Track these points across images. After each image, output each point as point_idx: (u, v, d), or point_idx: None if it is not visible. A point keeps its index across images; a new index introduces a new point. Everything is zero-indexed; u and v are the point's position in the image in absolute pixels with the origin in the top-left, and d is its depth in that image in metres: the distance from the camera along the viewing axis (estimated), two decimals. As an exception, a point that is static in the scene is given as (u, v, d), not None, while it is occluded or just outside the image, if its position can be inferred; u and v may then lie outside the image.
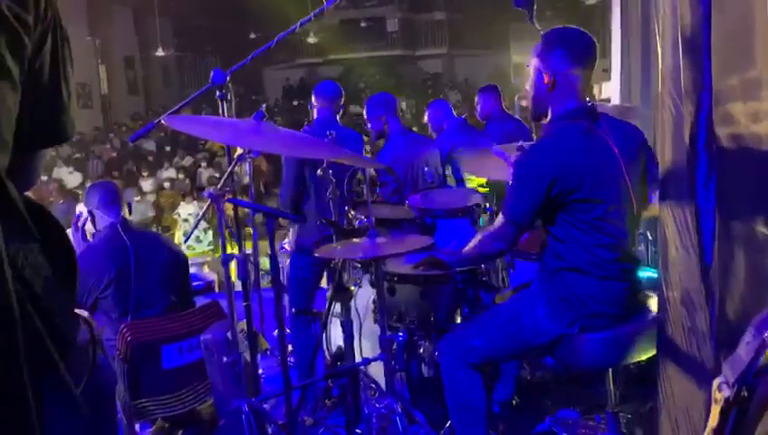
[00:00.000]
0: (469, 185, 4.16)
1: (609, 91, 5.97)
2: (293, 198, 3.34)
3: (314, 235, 3.27)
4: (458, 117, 4.84)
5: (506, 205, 2.15)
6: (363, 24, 20.37)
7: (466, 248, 2.26)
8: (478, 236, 2.26)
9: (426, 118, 4.84)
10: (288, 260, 3.73)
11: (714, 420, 0.87)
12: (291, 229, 3.78)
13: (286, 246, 3.92)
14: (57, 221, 0.96)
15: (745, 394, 0.85)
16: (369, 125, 3.96)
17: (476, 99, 5.02)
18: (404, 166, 3.75)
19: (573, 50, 2.12)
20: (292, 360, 3.48)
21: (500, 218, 2.16)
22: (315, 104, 3.73)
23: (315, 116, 3.66)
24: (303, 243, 3.34)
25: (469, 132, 4.55)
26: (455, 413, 2.31)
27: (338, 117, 3.59)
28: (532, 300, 2.21)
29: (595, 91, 7.49)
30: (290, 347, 3.50)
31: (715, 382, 0.87)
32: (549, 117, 2.18)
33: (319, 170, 2.85)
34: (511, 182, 2.17)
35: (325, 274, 3.55)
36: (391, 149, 3.85)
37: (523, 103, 6.31)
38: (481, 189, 4.00)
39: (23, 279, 0.82)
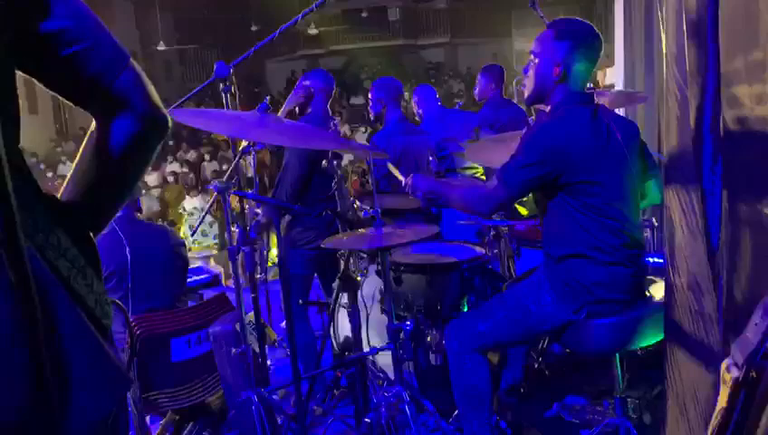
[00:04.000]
0: (470, 172, 4.14)
1: (613, 77, 5.95)
2: (300, 194, 3.29)
3: (308, 229, 3.25)
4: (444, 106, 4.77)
5: (504, 169, 2.14)
6: (365, 15, 20.29)
7: (454, 192, 2.27)
8: (469, 188, 2.26)
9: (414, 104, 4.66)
10: None
11: (723, 401, 0.87)
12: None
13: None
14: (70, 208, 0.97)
15: (754, 375, 0.85)
16: (369, 105, 3.95)
17: (477, 78, 4.84)
18: (396, 153, 3.73)
19: (586, 46, 2.14)
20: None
21: (493, 181, 2.16)
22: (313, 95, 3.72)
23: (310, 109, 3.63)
24: (295, 238, 3.31)
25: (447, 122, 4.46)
26: (460, 398, 2.33)
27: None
28: (538, 287, 2.22)
29: (599, 77, 7.45)
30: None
31: (724, 364, 0.88)
32: (549, 103, 2.19)
33: (324, 162, 2.86)
34: (515, 152, 2.17)
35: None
36: (385, 134, 3.84)
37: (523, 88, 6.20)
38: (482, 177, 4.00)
39: (55, 265, 0.83)
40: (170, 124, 1.00)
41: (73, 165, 0.99)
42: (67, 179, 0.99)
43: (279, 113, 3.57)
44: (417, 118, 4.61)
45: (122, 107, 0.93)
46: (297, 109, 3.50)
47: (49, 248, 0.83)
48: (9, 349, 0.72)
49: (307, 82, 3.53)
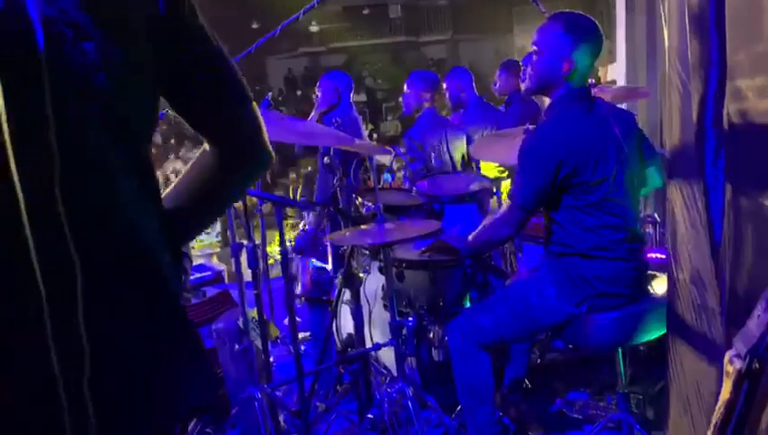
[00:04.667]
0: (484, 171, 4.10)
1: (615, 73, 5.94)
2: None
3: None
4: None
5: (514, 189, 2.15)
6: (366, 12, 20.25)
7: (474, 234, 2.26)
8: (486, 222, 2.26)
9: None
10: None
11: (726, 392, 0.87)
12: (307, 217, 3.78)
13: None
14: None
15: (757, 366, 0.86)
16: (407, 96, 3.94)
17: (497, 73, 4.67)
18: (433, 147, 3.76)
19: (592, 41, 2.13)
20: (302, 347, 3.50)
21: (507, 203, 2.17)
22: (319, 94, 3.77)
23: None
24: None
25: (486, 112, 4.36)
26: (462, 392, 2.33)
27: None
28: (540, 281, 2.22)
29: (600, 73, 7.43)
30: (300, 335, 3.52)
31: (727, 355, 0.88)
32: (550, 96, 2.18)
33: (326, 158, 2.86)
34: (517, 167, 2.17)
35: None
36: (422, 127, 3.85)
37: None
38: (499, 174, 3.97)
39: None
40: (274, 159, 1.08)
41: (178, 178, 1.04)
42: (168, 189, 1.04)
43: (310, 118, 3.71)
44: (448, 105, 4.49)
45: (238, 141, 1.02)
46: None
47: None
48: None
49: (337, 87, 3.89)
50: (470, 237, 2.27)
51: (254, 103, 1.03)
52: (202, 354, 0.90)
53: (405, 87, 3.95)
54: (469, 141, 3.94)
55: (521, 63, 2.26)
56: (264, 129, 1.04)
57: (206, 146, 1.03)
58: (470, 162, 3.95)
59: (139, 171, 0.81)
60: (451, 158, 3.84)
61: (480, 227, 2.26)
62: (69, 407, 0.68)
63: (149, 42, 0.82)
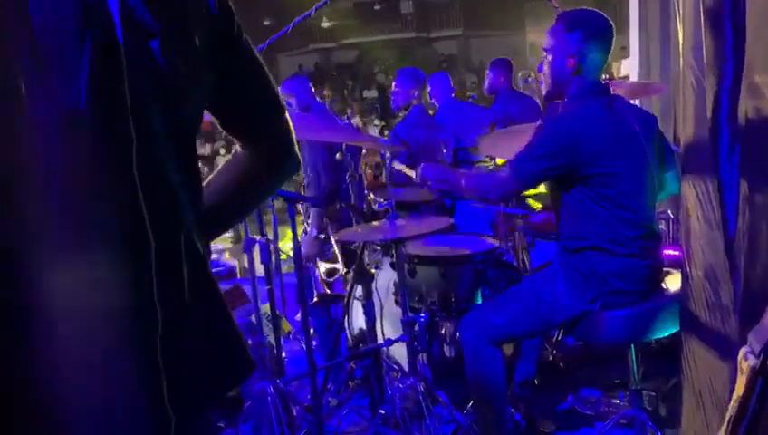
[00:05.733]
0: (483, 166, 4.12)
1: (628, 68, 5.89)
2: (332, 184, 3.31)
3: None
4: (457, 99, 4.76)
5: (517, 158, 2.14)
6: (377, 8, 20.22)
7: (464, 178, 2.27)
8: (480, 175, 2.26)
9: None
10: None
11: (740, 389, 0.87)
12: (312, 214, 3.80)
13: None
14: None
15: (771, 364, 0.85)
16: (395, 94, 3.97)
17: (486, 72, 4.88)
18: (419, 144, 3.75)
19: (597, 34, 2.12)
20: (315, 343, 3.51)
21: (505, 170, 2.16)
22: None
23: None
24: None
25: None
26: (475, 388, 2.33)
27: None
28: (552, 277, 2.22)
29: (614, 68, 7.38)
30: (312, 330, 3.53)
31: (741, 352, 0.88)
32: (565, 95, 2.18)
33: (338, 154, 2.87)
34: (528, 142, 2.16)
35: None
36: (407, 126, 3.85)
37: (529, 80, 6.12)
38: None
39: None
40: (300, 163, 1.14)
41: (212, 176, 1.09)
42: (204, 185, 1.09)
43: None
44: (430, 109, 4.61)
45: (273, 147, 1.08)
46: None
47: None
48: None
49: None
50: (462, 180, 2.28)
51: (287, 112, 1.08)
52: (241, 341, 0.97)
53: (393, 85, 3.98)
54: (459, 143, 4.00)
55: (535, 64, 2.27)
56: (294, 135, 1.09)
57: (239, 148, 1.09)
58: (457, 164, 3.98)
59: (188, 167, 0.87)
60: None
61: (474, 178, 2.28)
62: (145, 360, 0.78)
63: (205, 43, 0.87)
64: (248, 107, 1.02)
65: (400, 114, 4.03)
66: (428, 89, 4.52)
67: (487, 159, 4.06)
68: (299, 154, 1.11)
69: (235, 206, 1.11)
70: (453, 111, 4.39)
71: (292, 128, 1.09)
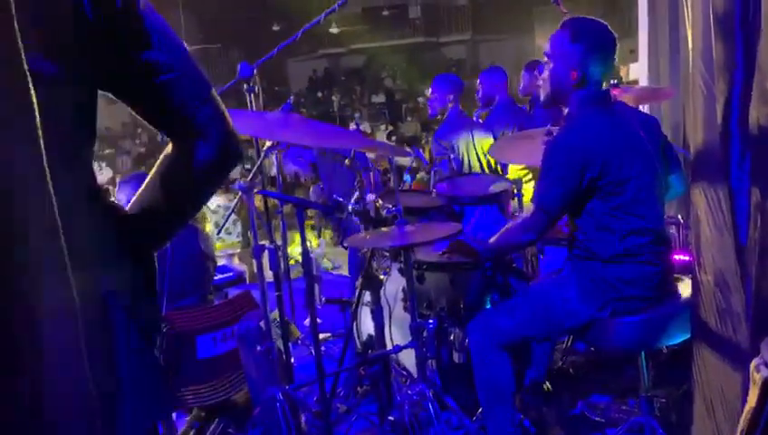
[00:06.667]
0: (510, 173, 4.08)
1: (637, 72, 5.87)
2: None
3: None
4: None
5: (537, 193, 2.14)
6: (385, 13, 20.25)
7: (496, 237, 2.25)
8: (508, 226, 2.25)
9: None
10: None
11: (752, 401, 0.86)
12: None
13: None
14: None
15: (784, 374, 0.84)
16: (432, 100, 4.02)
17: (522, 74, 4.71)
18: (458, 149, 3.80)
19: (602, 47, 2.12)
20: (323, 348, 3.51)
21: (531, 207, 2.16)
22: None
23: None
24: None
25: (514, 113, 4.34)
26: (483, 393, 2.32)
27: None
28: (562, 283, 2.21)
29: (622, 72, 7.36)
30: (321, 336, 3.53)
31: (753, 363, 0.87)
32: (566, 106, 2.18)
33: (347, 160, 2.87)
34: (541, 171, 2.16)
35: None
36: (447, 130, 3.90)
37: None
38: (522, 174, 3.96)
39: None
40: (243, 154, 1.07)
41: (145, 182, 1.04)
42: (136, 195, 1.04)
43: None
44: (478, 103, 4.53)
45: (201, 136, 0.99)
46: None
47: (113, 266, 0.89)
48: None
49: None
50: (492, 240, 2.26)
51: (214, 91, 1.01)
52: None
53: (429, 91, 4.02)
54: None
55: (536, 72, 2.27)
56: (229, 118, 1.02)
57: (169, 147, 1.02)
58: (496, 165, 3.96)
59: (77, 173, 0.82)
60: (478, 157, 3.86)
61: (503, 230, 2.25)
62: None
63: (86, 49, 0.83)
64: (158, 99, 0.95)
65: (438, 119, 4.08)
66: (492, 82, 4.38)
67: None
68: (236, 140, 1.03)
69: (171, 209, 1.04)
70: (513, 113, 4.30)
71: (221, 110, 1.01)
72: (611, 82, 2.29)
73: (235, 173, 9.62)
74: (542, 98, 2.26)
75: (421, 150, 3.84)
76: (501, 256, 2.70)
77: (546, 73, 2.18)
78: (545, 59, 2.20)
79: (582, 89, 2.12)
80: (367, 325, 2.97)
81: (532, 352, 2.75)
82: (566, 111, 2.20)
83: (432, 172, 2.64)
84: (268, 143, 2.60)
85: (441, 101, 3.95)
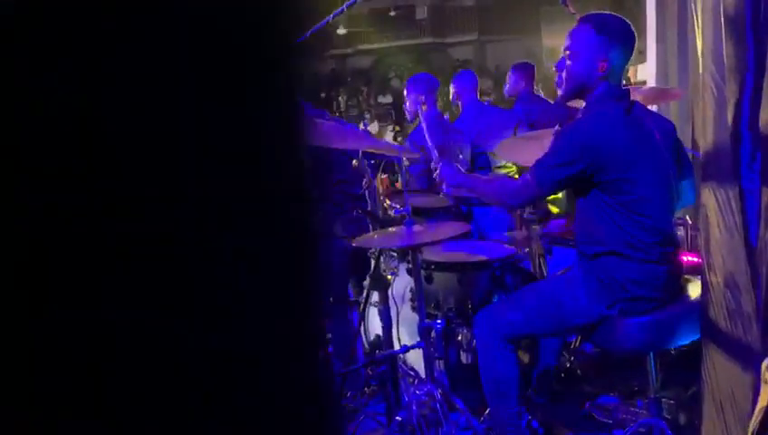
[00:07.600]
0: (504, 171, 4.10)
1: (645, 73, 5.85)
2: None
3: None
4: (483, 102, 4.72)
5: (537, 166, 2.13)
6: (392, 13, 20.26)
7: (485, 184, 2.27)
8: (501, 181, 2.26)
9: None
10: None
11: (763, 401, 0.87)
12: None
13: None
14: None
15: (796, 375, 0.84)
16: (407, 104, 3.94)
17: (508, 74, 4.81)
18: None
19: (626, 40, 2.13)
20: (330, 349, 3.52)
21: (526, 176, 2.16)
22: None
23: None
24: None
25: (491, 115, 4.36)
26: (488, 387, 2.33)
27: None
28: (571, 280, 2.22)
29: (630, 73, 7.33)
30: (328, 336, 3.53)
31: (764, 364, 0.87)
32: (586, 98, 2.18)
33: (354, 161, 2.87)
34: (548, 148, 2.16)
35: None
36: (421, 131, 3.84)
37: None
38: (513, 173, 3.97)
39: None
40: None
41: None
42: None
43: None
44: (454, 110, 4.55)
45: None
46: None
47: None
48: None
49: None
50: (481, 184, 2.28)
51: None
52: None
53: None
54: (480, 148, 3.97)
55: (554, 67, 2.24)
56: None
57: None
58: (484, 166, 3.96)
59: None
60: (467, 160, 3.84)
61: (495, 183, 2.27)
62: None
63: None
64: None
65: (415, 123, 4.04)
66: (453, 90, 4.42)
67: (508, 164, 4.04)
68: None
69: None
70: (478, 114, 4.30)
71: None
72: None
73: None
74: (559, 94, 2.26)
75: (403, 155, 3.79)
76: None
77: (569, 69, 2.16)
78: (565, 52, 2.17)
79: (607, 80, 2.12)
80: (375, 325, 2.97)
81: (540, 353, 2.75)
82: (582, 104, 2.19)
83: (402, 172, 2.63)
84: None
85: (414, 104, 3.83)
